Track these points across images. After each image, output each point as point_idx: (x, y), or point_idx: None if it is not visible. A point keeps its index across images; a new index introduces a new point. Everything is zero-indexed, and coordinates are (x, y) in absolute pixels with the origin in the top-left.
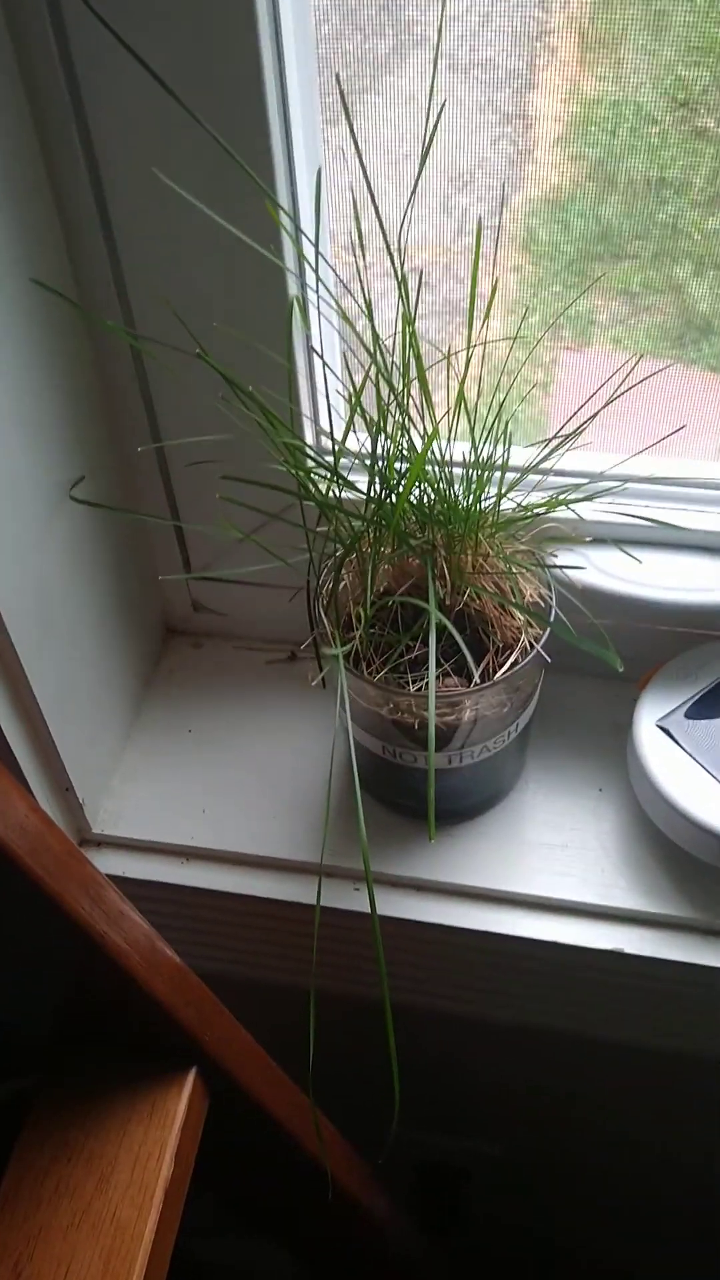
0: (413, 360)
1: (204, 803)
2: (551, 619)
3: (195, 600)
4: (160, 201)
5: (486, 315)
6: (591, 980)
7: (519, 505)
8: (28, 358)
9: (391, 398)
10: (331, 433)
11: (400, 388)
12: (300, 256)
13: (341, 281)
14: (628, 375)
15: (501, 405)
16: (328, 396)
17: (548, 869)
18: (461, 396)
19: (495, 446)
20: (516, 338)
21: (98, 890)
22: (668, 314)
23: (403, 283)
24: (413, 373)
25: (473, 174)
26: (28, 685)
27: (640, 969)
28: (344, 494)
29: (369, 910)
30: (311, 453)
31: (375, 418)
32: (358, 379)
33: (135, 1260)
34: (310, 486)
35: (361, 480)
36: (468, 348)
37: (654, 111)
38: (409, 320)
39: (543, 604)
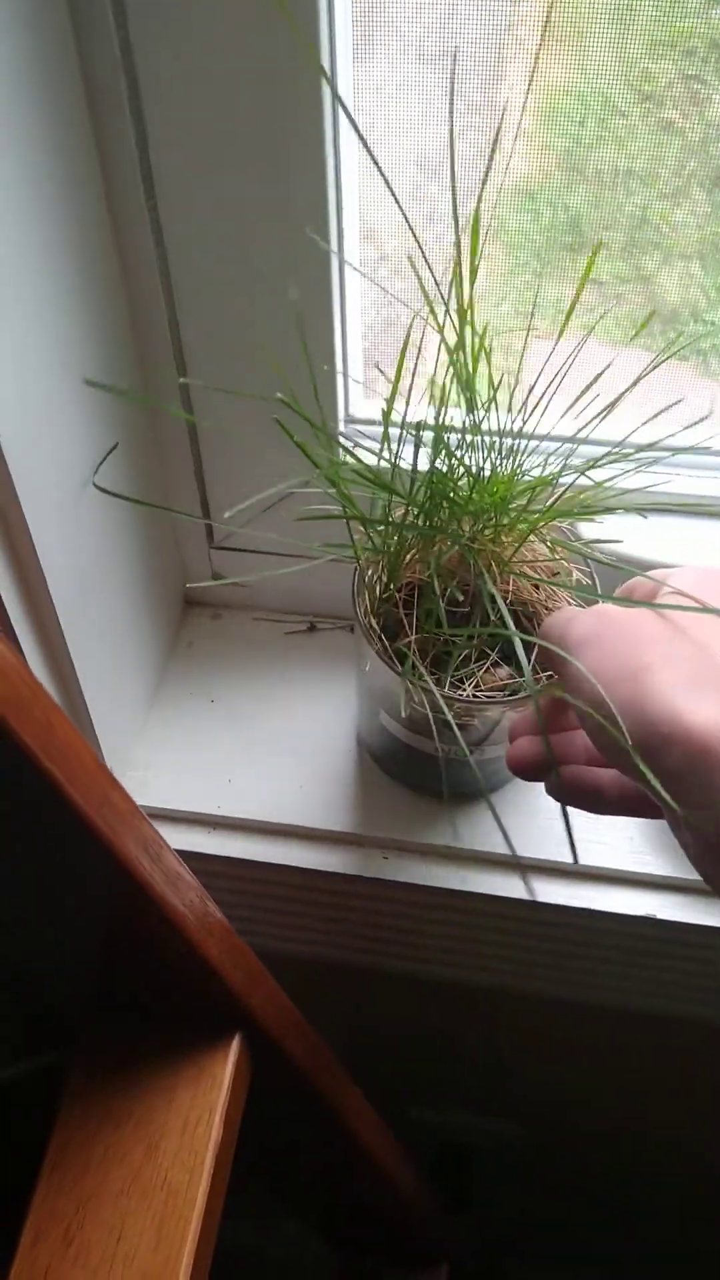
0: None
1: (228, 772)
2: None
3: (216, 571)
4: (205, 146)
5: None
6: (624, 947)
7: (554, 487)
8: (64, 326)
9: (451, 379)
10: (385, 424)
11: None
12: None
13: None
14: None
15: (545, 390)
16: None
17: (579, 837)
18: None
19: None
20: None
21: (157, 850)
22: (636, 304)
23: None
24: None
25: (441, 162)
26: (68, 655)
27: (673, 935)
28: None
29: (401, 879)
30: (350, 448)
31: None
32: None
33: (189, 1225)
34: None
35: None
36: (532, 308)
37: (620, 104)
38: (464, 309)
39: (588, 582)
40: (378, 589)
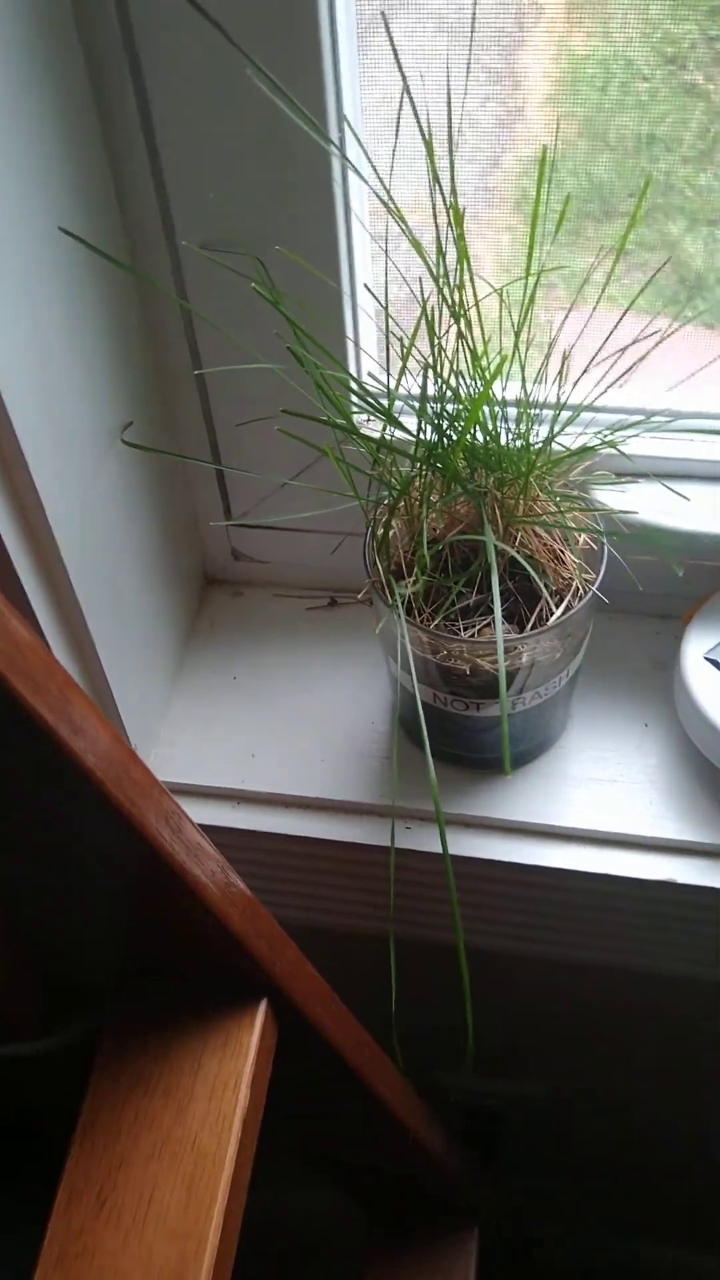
0: (463, 296)
1: (252, 747)
2: (605, 559)
3: (235, 549)
4: (212, 138)
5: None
6: (644, 911)
7: (565, 447)
8: (77, 305)
9: (450, 328)
10: (388, 368)
11: (458, 316)
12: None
13: (384, 201)
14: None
15: (551, 344)
16: (388, 333)
17: (598, 804)
18: (518, 333)
19: (541, 387)
20: (542, 272)
21: (178, 822)
22: (661, 271)
23: (454, 209)
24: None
25: (462, 134)
26: (88, 633)
27: (693, 898)
28: (395, 433)
29: (424, 849)
30: (362, 391)
31: (429, 355)
32: (405, 317)
33: (218, 1187)
34: (359, 429)
35: (409, 421)
36: (526, 275)
37: (643, 67)
38: (464, 254)
39: (594, 547)
40: (389, 537)
